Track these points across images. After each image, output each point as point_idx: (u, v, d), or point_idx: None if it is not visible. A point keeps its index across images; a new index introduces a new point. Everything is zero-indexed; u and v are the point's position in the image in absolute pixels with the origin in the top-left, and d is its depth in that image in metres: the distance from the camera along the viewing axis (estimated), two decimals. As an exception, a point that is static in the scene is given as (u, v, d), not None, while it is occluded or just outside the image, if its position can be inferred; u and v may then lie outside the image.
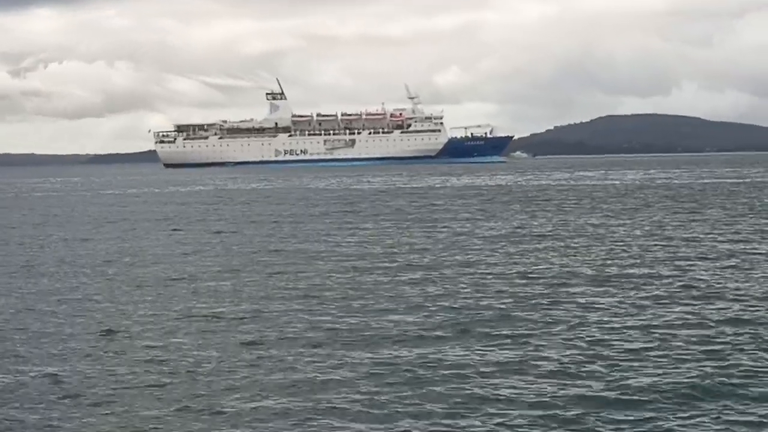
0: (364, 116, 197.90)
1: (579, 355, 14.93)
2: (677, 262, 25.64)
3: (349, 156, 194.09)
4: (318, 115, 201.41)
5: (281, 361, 14.92)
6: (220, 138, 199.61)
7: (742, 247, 29.40)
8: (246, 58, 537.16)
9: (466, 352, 15.26)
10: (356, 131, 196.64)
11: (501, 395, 12.77)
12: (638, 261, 26.28)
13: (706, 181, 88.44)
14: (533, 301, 19.84)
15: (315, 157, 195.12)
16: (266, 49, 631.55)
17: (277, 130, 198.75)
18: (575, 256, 27.76)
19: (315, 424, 11.88)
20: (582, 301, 19.80)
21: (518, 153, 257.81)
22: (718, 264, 25.25)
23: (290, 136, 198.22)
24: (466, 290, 21.55)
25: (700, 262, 25.65)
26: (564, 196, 64.90)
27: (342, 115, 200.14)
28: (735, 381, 13.26)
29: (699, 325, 17.08)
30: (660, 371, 13.80)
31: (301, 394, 13.04)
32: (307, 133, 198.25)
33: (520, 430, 11.53)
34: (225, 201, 66.56)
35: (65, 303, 21.06)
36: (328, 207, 55.62)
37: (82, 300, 21.54)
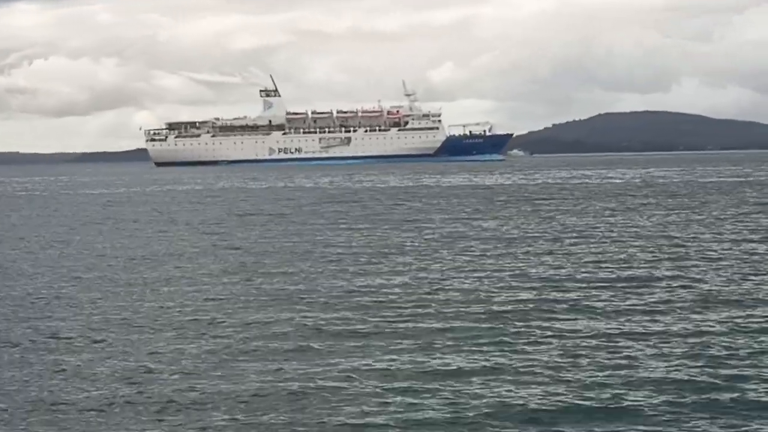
0: (360, 113, 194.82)
1: (571, 359, 14.79)
2: (677, 264, 25.43)
3: (345, 154, 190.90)
4: (313, 112, 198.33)
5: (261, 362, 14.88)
6: (213, 136, 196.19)
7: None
8: (235, 53, 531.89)
9: (458, 355, 15.15)
10: (352, 129, 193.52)
11: (490, 399, 12.70)
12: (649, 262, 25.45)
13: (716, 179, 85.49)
14: (527, 306, 19.52)
15: (310, 155, 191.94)
16: (256, 45, 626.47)
17: (271, 127, 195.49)
18: (572, 257, 27.19)
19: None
20: (573, 304, 19.57)
21: (515, 151, 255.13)
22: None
23: (284, 134, 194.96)
24: (456, 294, 21.11)
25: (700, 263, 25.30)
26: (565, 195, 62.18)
27: (338, 112, 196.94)
28: (729, 387, 13.08)
29: (696, 330, 16.75)
30: (653, 377, 13.60)
31: (286, 400, 13.02)
32: (301, 131, 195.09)
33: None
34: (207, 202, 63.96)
35: (36, 306, 20.85)
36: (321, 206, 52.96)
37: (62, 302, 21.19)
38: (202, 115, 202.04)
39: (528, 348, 15.53)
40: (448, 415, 12.11)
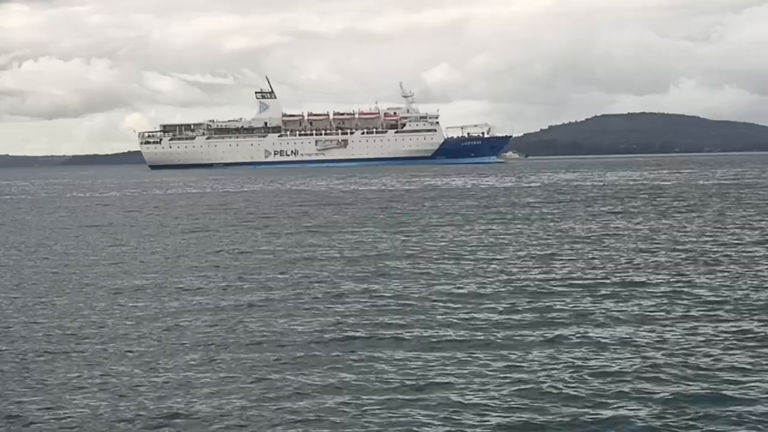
0: (357, 115, 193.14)
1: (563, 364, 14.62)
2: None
3: (342, 157, 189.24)
4: (309, 114, 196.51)
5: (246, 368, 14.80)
6: (208, 138, 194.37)
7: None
8: (228, 55, 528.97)
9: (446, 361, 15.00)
10: (349, 131, 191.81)
11: (478, 405, 12.52)
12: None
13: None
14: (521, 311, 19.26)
15: (306, 158, 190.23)
16: (249, 46, 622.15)
17: (266, 130, 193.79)
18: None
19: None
20: (569, 308, 19.33)
21: (510, 153, 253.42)
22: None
23: (280, 136, 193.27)
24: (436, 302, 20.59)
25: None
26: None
27: (334, 114, 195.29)
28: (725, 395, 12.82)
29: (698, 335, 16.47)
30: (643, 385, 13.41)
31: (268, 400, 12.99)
32: (297, 133, 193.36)
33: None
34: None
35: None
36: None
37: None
38: (195, 117, 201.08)
39: (518, 357, 15.13)
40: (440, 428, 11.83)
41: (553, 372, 14.09)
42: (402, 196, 68.48)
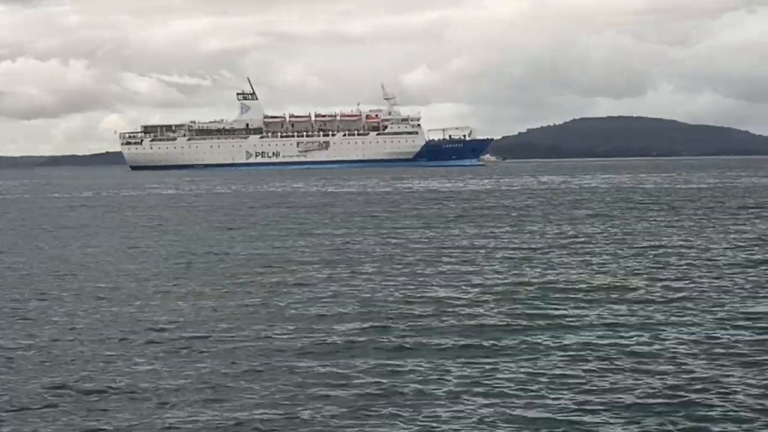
0: (338, 117, 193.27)
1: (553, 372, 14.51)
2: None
3: (323, 158, 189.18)
4: (291, 116, 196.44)
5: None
6: (189, 139, 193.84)
7: None
8: (206, 56, 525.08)
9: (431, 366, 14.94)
10: (331, 133, 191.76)
11: (468, 412, 12.47)
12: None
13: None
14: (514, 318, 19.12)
15: (287, 159, 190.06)
16: (227, 47, 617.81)
17: (248, 131, 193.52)
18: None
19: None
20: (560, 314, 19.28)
21: (487, 156, 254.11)
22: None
23: (262, 137, 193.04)
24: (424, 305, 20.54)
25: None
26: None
27: (316, 116, 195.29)
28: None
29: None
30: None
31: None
32: (279, 134, 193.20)
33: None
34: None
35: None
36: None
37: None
38: (173, 118, 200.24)
39: (506, 365, 14.97)
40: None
41: (528, 379, 13.99)
42: (380, 200, 68.50)
